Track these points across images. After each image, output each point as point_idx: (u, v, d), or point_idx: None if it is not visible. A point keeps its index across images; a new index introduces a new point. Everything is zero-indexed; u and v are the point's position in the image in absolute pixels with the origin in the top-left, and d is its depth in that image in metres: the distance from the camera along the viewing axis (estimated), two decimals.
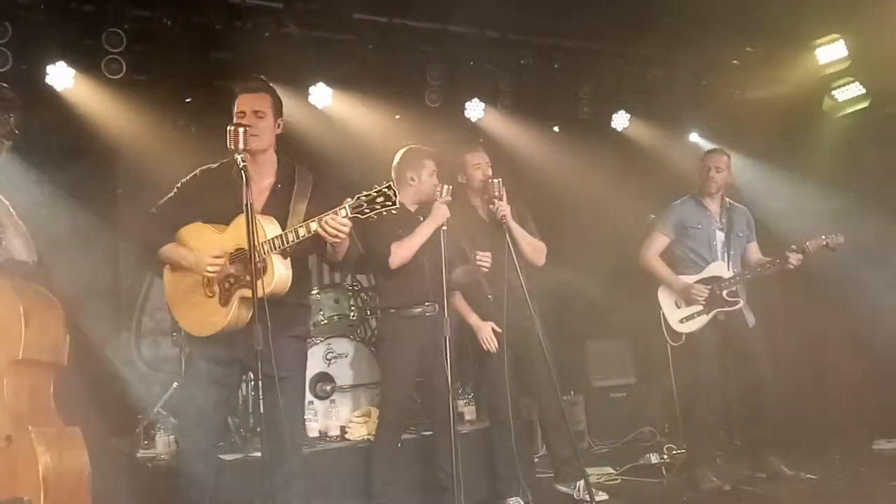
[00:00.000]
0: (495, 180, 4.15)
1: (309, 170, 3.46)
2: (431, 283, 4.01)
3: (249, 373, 3.77)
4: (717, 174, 4.76)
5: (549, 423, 4.57)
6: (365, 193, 2.97)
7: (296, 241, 3.10)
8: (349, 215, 3.00)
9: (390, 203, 2.95)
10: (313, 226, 3.05)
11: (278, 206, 3.30)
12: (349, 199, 3.01)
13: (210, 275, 3.20)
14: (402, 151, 4.25)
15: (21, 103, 3.13)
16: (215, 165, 3.38)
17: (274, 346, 2.92)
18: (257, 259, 2.99)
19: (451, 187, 3.93)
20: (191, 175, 3.39)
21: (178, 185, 3.40)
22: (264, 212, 3.26)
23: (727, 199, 4.90)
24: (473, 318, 4.32)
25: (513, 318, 4.14)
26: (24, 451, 2.87)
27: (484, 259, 4.10)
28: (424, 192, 4.14)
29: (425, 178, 4.14)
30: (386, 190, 2.95)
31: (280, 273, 3.15)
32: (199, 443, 3.39)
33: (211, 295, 3.25)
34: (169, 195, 3.41)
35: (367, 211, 2.97)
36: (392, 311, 4.19)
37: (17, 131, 3.10)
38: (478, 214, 4.42)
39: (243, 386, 4.78)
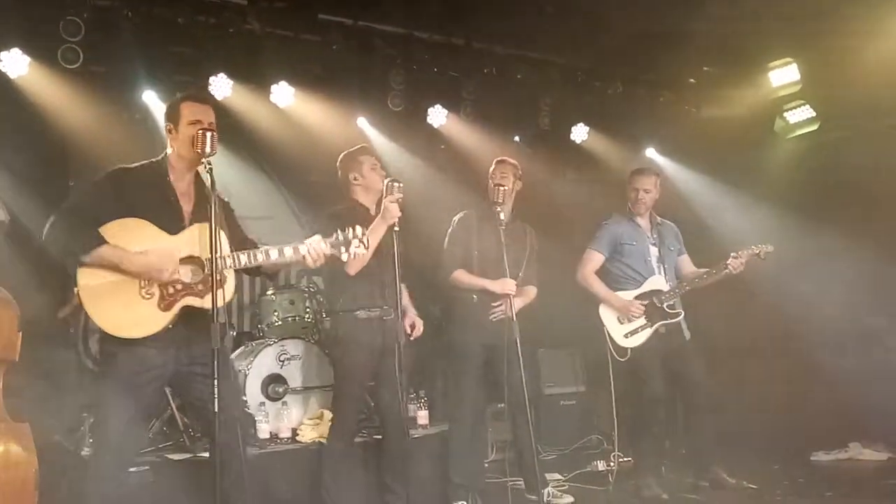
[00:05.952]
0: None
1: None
2: (387, 285, 3.99)
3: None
4: (646, 195, 4.92)
5: (520, 430, 4.51)
6: (342, 236, 3.32)
7: (278, 258, 3.25)
8: (328, 251, 3.30)
9: (362, 248, 3.35)
10: (303, 248, 3.27)
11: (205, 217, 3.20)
12: (316, 237, 3.30)
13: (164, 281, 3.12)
14: (338, 161, 4.26)
15: None
16: (133, 166, 3.30)
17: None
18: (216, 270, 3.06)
19: (401, 184, 3.81)
20: (108, 173, 3.25)
21: (94, 182, 3.25)
22: (195, 218, 3.24)
23: (656, 216, 5.05)
24: (487, 282, 4.43)
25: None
26: None
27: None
28: (372, 186, 4.12)
29: (367, 172, 4.14)
30: (361, 236, 3.34)
31: (233, 286, 3.25)
32: (113, 454, 3.20)
33: (149, 297, 3.14)
34: (84, 192, 3.28)
35: (343, 250, 3.31)
36: (346, 313, 4.14)
37: None
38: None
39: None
